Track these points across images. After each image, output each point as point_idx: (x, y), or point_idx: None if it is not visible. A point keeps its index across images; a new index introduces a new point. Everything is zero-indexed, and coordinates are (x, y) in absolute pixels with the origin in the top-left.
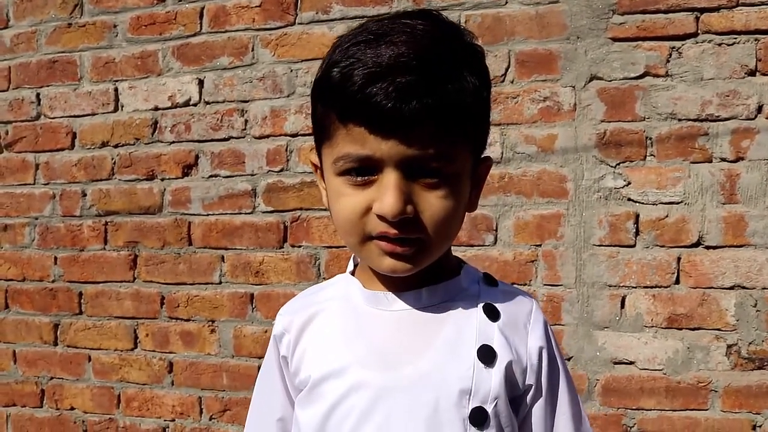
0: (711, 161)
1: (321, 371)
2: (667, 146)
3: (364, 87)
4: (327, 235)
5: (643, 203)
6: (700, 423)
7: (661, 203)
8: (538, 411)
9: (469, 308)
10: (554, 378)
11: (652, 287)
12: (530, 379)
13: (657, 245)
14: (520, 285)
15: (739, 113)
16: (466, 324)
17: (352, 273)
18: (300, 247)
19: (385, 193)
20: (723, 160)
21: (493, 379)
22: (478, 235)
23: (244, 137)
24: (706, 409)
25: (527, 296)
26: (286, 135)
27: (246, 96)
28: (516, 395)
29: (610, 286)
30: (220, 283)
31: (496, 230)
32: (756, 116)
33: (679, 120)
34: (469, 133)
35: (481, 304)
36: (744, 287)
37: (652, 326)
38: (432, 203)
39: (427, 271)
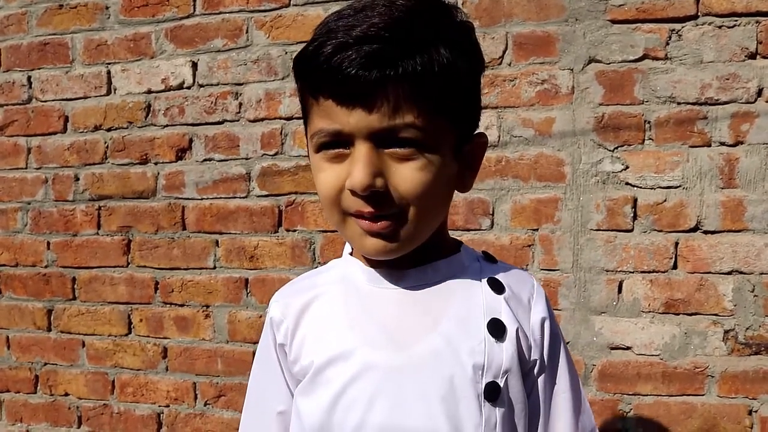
0: (710, 145)
1: (325, 356)
2: (665, 130)
3: (331, 57)
4: (322, 219)
5: (641, 187)
6: (696, 408)
7: (660, 187)
8: (540, 386)
9: (474, 283)
10: (555, 353)
11: (649, 272)
12: (535, 354)
13: (655, 230)
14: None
15: (739, 97)
16: (473, 299)
17: (351, 254)
18: (295, 231)
19: (354, 167)
20: (722, 144)
21: (504, 353)
22: (474, 218)
23: (238, 120)
24: (703, 395)
25: (526, 272)
26: (280, 118)
27: (240, 79)
28: (524, 370)
29: (607, 270)
30: (215, 267)
31: (493, 214)
32: (756, 100)
33: (678, 103)
34: (445, 106)
35: (485, 279)
36: (742, 272)
37: (650, 311)
38: (405, 175)
39: (426, 249)
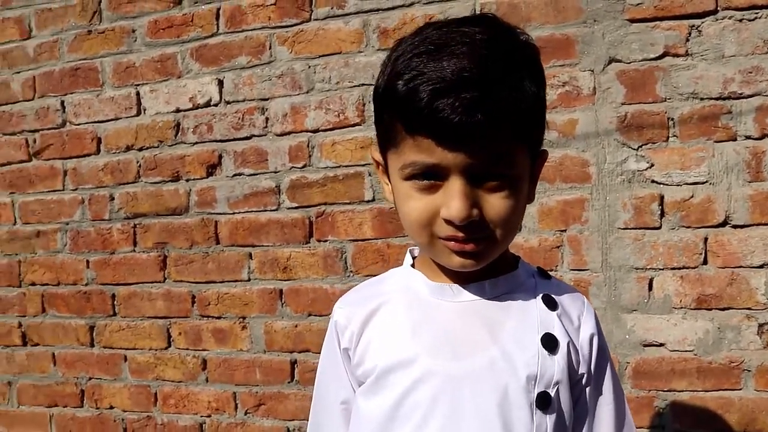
0: (735, 139)
1: (388, 361)
2: (689, 126)
3: (431, 102)
4: (352, 228)
5: (667, 185)
6: (733, 403)
7: (686, 184)
8: (586, 396)
9: (529, 299)
10: (602, 367)
11: (679, 268)
12: (583, 368)
13: (683, 226)
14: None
15: (763, 89)
16: (528, 314)
17: (412, 266)
18: (326, 241)
19: (452, 199)
20: (748, 137)
21: (556, 365)
22: None
23: (265, 135)
24: (740, 389)
25: (577, 291)
26: (307, 131)
27: (265, 94)
28: (572, 381)
29: (636, 268)
30: (249, 280)
31: None
32: None
33: (701, 99)
34: (528, 135)
35: (540, 295)
36: None
37: (681, 307)
38: (495, 205)
39: (488, 264)
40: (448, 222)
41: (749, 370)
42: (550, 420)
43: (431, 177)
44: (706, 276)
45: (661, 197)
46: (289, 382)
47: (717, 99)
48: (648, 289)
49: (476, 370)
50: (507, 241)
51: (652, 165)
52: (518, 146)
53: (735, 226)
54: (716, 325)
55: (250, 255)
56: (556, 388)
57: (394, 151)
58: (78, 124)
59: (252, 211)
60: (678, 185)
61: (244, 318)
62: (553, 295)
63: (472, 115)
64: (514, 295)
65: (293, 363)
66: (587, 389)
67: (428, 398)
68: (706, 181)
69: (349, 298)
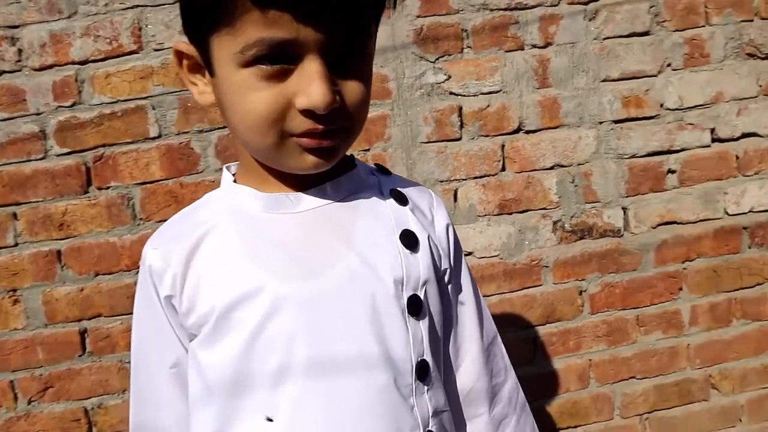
0: (523, 48)
1: (227, 298)
2: (482, 37)
3: None
4: (138, 170)
5: (464, 95)
6: (536, 298)
7: (482, 94)
8: (449, 296)
9: (377, 196)
10: (459, 260)
11: (481, 177)
12: (444, 263)
13: (482, 135)
14: None
15: (544, 0)
16: (380, 212)
17: (234, 181)
18: (108, 188)
19: (312, 84)
20: (534, 46)
21: (420, 263)
22: None
23: (20, 71)
24: (541, 285)
25: (419, 184)
26: (73, 63)
27: (14, 20)
28: (437, 279)
29: (441, 181)
30: (17, 244)
31: None
32: (559, 2)
33: (491, 10)
34: (383, 3)
35: (388, 191)
36: (562, 165)
37: (485, 215)
38: (354, 90)
39: None
40: (305, 113)
41: (547, 266)
42: (423, 326)
43: (281, 59)
44: (506, 182)
45: (460, 108)
46: (80, 356)
47: (505, 9)
48: (453, 201)
49: (336, 284)
50: (358, 134)
51: (450, 77)
52: (373, 18)
53: (528, 132)
54: (517, 228)
55: (15, 215)
56: (424, 289)
57: (228, 32)
58: None
59: (12, 163)
60: (475, 95)
61: (14, 291)
62: (400, 189)
63: None
64: (360, 194)
65: (83, 333)
66: (449, 286)
67: (286, 329)
68: (500, 90)
69: (163, 237)
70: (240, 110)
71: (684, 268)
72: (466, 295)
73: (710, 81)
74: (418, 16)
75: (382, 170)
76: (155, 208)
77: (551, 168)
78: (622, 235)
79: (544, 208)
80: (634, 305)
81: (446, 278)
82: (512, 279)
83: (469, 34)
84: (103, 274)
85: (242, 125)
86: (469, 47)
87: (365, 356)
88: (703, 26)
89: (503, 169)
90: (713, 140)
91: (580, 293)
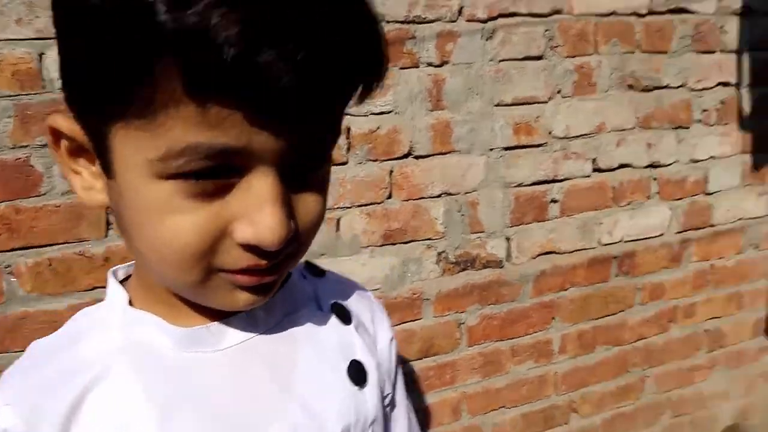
0: (418, 66)
1: None
2: None
3: (248, 49)
4: None
5: (354, 115)
6: (416, 332)
7: (373, 114)
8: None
9: (316, 316)
10: (399, 379)
11: (367, 205)
12: (388, 388)
13: (370, 160)
14: None
15: (443, 15)
16: (322, 339)
17: (129, 302)
18: None
19: (261, 211)
20: (430, 65)
21: (368, 402)
22: None
23: None
24: (420, 318)
25: (353, 281)
26: None
27: None
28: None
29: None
30: None
31: None
32: (457, 18)
33: (388, 22)
34: (353, 93)
35: (327, 305)
36: (450, 194)
37: (369, 246)
38: (311, 209)
39: None
40: (247, 247)
41: (428, 299)
42: None
43: (219, 173)
44: (392, 210)
45: (348, 129)
46: None
47: (403, 22)
48: (336, 230)
49: None
50: (305, 254)
51: None
52: (341, 115)
53: (417, 157)
54: (401, 260)
55: None
56: (371, 429)
57: (142, 126)
58: None
59: None
60: (365, 115)
61: None
62: (341, 303)
63: (307, 74)
64: (296, 315)
65: None
66: (388, 409)
67: None
68: (392, 111)
69: (23, 385)
70: (152, 236)
71: (558, 298)
72: (401, 410)
73: (596, 110)
74: None
75: (313, 271)
76: None
77: (438, 196)
78: (503, 266)
79: (429, 239)
80: (511, 336)
81: (387, 402)
82: (392, 313)
83: None
84: None
85: (155, 255)
86: None
87: None
88: (592, 54)
89: (389, 196)
90: (594, 170)
91: (459, 326)
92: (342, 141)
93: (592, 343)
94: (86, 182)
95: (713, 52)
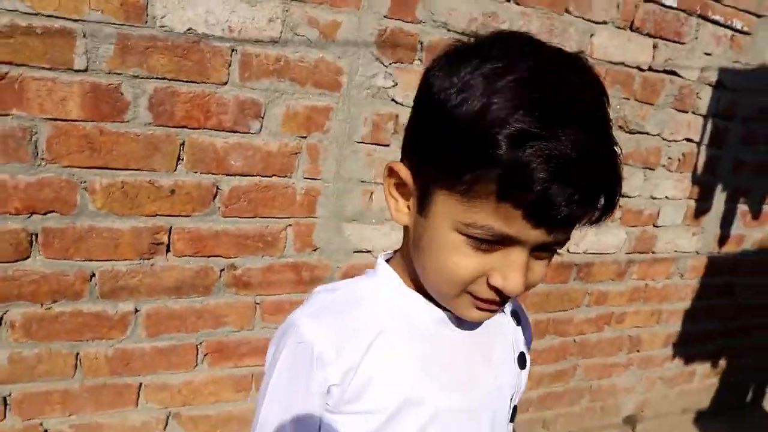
0: None
1: (398, 400)
2: (432, 53)
3: (547, 185)
4: (51, 103)
5: (404, 105)
6: None
7: None
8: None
9: (505, 318)
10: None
11: None
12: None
13: None
14: (282, 177)
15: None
16: (506, 334)
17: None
18: (7, 116)
19: (512, 272)
20: None
21: (523, 381)
22: (244, 121)
23: None
24: None
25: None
26: None
27: None
28: None
29: (363, 181)
30: None
31: (263, 117)
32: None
33: (449, 30)
34: None
35: (509, 311)
36: None
37: (390, 219)
38: (537, 272)
39: None
40: (494, 288)
41: None
42: (510, 428)
43: (496, 243)
44: None
45: (396, 117)
46: None
47: (461, 33)
48: (369, 200)
49: (478, 401)
50: None
51: (396, 84)
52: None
53: None
54: None
55: None
56: (517, 398)
57: (457, 199)
58: None
59: None
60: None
61: None
62: (516, 309)
63: (583, 207)
64: (493, 318)
65: None
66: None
67: None
68: None
69: (330, 324)
70: (438, 263)
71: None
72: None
73: None
74: (386, 17)
75: None
76: (64, 151)
77: None
78: None
79: None
80: None
81: None
82: None
83: (423, 47)
84: None
85: (434, 274)
86: (419, 60)
87: None
88: None
89: None
90: None
91: None
92: (390, 126)
93: (544, 331)
94: (399, 207)
95: (687, 112)
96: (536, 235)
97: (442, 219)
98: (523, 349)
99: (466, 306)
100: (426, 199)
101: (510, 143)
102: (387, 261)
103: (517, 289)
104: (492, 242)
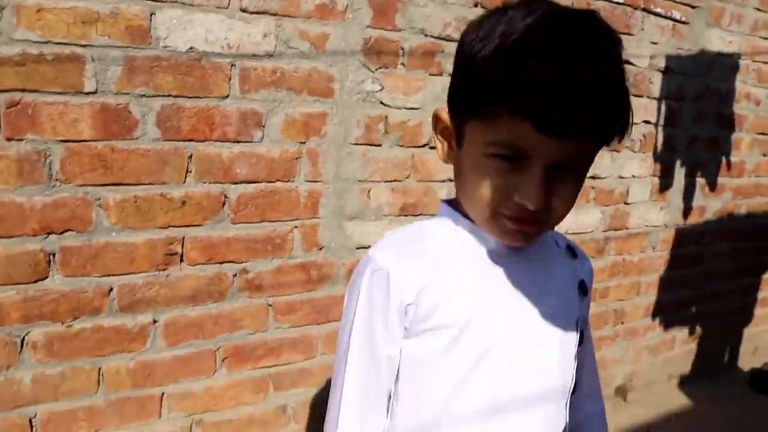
0: (442, 75)
1: (465, 318)
2: (414, 58)
3: (554, 109)
4: (63, 125)
5: (391, 107)
6: None
7: (405, 108)
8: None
9: (560, 252)
10: (589, 306)
11: (392, 181)
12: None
13: (399, 145)
14: (285, 182)
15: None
16: (564, 265)
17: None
18: (22, 141)
19: (531, 187)
20: (449, 75)
21: (584, 307)
22: (246, 130)
23: None
24: None
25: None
26: None
27: None
28: None
29: (360, 181)
30: None
31: (264, 126)
32: None
33: (426, 35)
34: (612, 138)
35: (564, 246)
36: (452, 180)
37: (389, 215)
38: (563, 197)
39: None
40: (520, 205)
41: None
42: (580, 350)
43: (514, 159)
44: (409, 188)
45: (386, 118)
46: None
47: (437, 38)
48: (367, 198)
49: (544, 319)
50: (556, 226)
51: (383, 88)
52: (599, 147)
53: (432, 148)
54: None
55: None
56: (583, 323)
57: (480, 123)
58: None
59: None
60: (399, 108)
61: None
62: (571, 246)
63: (587, 130)
64: (548, 249)
65: None
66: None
67: (508, 352)
68: (420, 108)
69: (402, 252)
70: (472, 186)
71: None
72: (588, 337)
73: None
74: (369, 26)
75: (565, 245)
76: (78, 170)
77: (443, 181)
78: None
79: (433, 214)
80: None
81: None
82: None
83: (405, 52)
84: (1, 237)
85: (470, 198)
86: (402, 64)
87: (549, 390)
88: None
89: (408, 177)
90: None
91: None
92: (381, 126)
93: None
94: (444, 149)
95: (642, 96)
96: (548, 149)
97: (472, 146)
98: (583, 277)
99: (503, 229)
100: (460, 132)
101: (520, 65)
102: (447, 203)
103: (538, 203)
104: (510, 158)
